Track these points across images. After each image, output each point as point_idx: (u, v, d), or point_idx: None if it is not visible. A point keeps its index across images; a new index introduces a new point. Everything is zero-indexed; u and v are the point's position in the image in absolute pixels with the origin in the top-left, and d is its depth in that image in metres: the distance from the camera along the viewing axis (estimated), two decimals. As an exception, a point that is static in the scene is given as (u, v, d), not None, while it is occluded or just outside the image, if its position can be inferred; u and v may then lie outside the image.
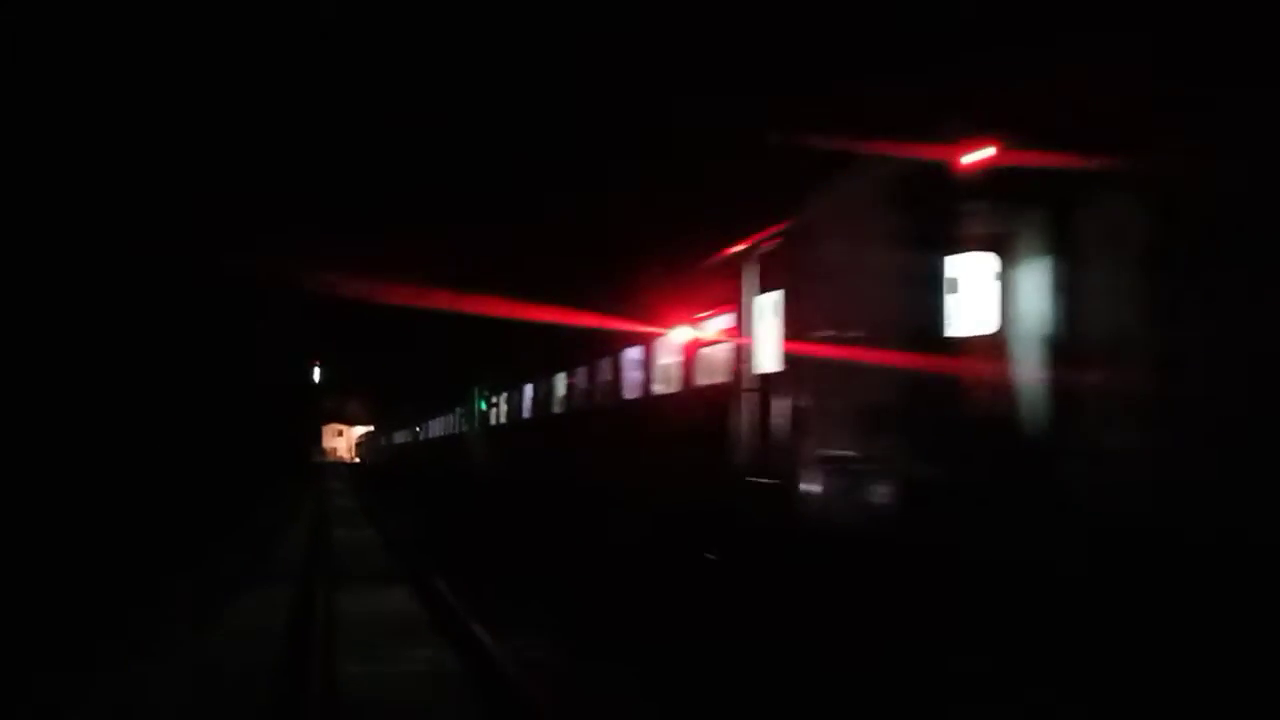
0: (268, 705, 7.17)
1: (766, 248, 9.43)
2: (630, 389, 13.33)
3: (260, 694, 7.45)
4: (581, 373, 15.99)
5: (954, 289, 6.71)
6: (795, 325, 8.83)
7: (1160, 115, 5.49)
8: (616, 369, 13.75)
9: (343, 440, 45.78)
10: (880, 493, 7.42)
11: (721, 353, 10.34)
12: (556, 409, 17.78)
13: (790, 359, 8.86)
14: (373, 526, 24.32)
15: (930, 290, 6.87)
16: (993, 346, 6.32)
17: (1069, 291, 5.85)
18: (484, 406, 24.88)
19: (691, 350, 10.99)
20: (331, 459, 44.91)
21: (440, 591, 12.34)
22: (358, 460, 49.47)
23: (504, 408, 22.93)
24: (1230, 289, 4.96)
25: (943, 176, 6.82)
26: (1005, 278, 6.34)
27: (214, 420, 19.06)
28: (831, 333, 8.26)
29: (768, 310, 9.37)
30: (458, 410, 29.56)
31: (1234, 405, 4.92)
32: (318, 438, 41.99)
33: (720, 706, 7.99)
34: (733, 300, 9.87)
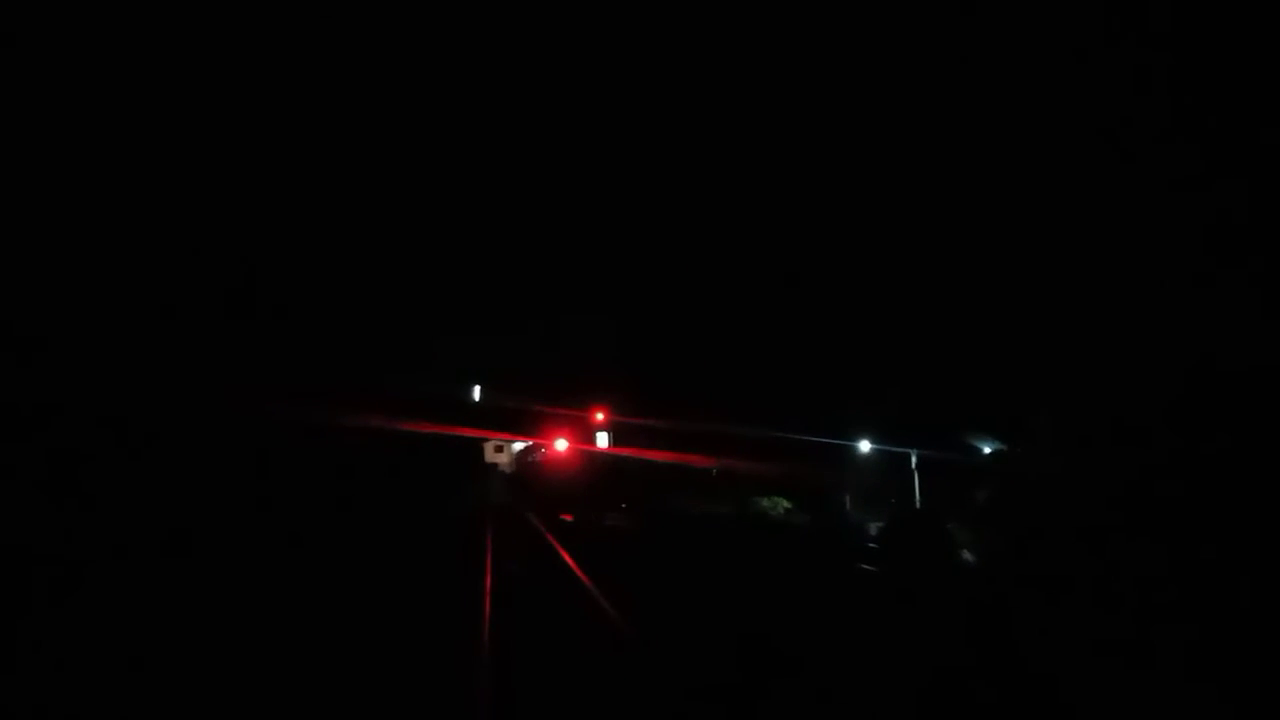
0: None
1: (561, 427, 45.17)
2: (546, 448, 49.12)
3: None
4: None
5: (598, 437, 42.80)
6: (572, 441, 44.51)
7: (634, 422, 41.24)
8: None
9: (503, 455, 57.71)
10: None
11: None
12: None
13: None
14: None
15: (592, 437, 42.86)
16: (607, 449, 42.25)
17: (616, 441, 42.08)
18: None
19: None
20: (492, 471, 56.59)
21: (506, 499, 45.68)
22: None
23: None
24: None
25: (591, 419, 42.72)
26: (609, 437, 42.39)
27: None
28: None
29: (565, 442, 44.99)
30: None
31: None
32: (480, 453, 56.34)
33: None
34: (567, 436, 45.45)
